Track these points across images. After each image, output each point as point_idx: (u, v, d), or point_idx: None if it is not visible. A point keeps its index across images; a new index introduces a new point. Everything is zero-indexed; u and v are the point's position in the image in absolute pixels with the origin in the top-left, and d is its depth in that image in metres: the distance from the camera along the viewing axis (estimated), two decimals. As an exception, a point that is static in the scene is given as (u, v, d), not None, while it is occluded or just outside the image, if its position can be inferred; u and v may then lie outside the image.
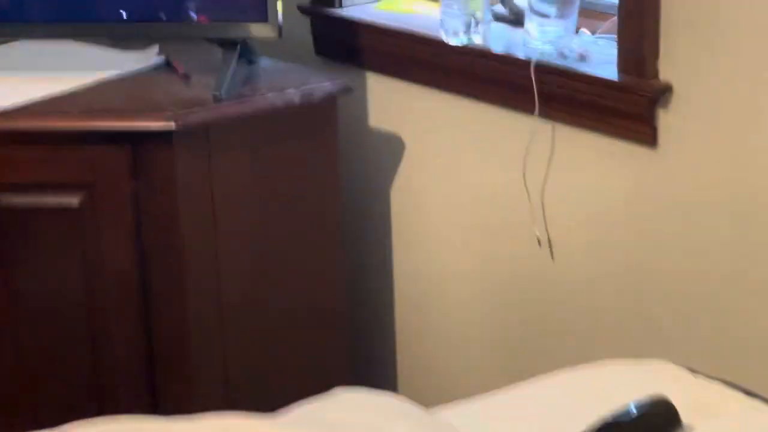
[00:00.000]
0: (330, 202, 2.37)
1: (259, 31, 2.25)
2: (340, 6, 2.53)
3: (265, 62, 2.39)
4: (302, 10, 2.56)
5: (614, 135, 2.10)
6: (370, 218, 2.56)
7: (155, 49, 2.42)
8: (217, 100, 2.17)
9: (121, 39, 2.38)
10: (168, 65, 2.38)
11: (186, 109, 2.15)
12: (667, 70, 2.00)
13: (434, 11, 2.43)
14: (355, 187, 2.53)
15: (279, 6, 2.23)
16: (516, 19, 2.29)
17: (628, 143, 2.08)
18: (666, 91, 2.01)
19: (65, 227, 2.20)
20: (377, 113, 2.51)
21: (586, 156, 2.16)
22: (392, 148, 2.49)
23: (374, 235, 2.57)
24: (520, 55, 2.19)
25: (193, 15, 2.26)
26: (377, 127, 2.52)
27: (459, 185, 2.39)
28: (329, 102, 2.30)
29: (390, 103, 2.49)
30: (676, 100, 2.01)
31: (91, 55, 2.42)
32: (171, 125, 2.12)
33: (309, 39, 2.59)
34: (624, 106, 2.06)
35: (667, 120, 2.03)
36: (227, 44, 2.30)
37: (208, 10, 2.26)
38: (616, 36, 2.10)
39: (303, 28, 2.59)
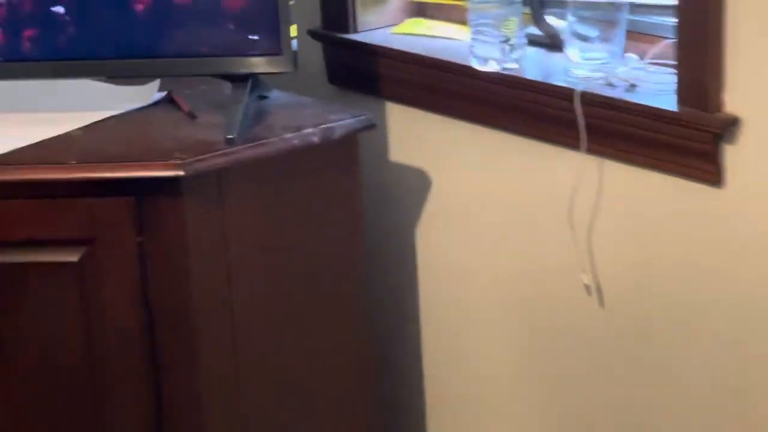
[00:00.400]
0: (352, 247, 2.15)
1: (272, 65, 2.03)
2: (355, 31, 2.33)
3: (276, 95, 2.19)
4: (313, 35, 2.35)
5: (673, 172, 1.89)
6: (393, 262, 2.36)
7: (156, 84, 2.20)
8: (229, 143, 1.96)
9: (121, 77, 2.17)
10: (171, 102, 2.18)
11: (195, 154, 1.93)
12: (734, 102, 1.80)
13: (459, 34, 2.24)
14: (375, 227, 2.32)
15: (293, 36, 2.03)
16: (553, 42, 2.09)
17: (688, 181, 1.88)
18: (733, 124, 1.81)
19: (63, 285, 1.98)
20: (398, 146, 2.30)
21: (639, 195, 1.96)
22: (415, 184, 2.28)
23: (398, 279, 2.36)
24: (561, 83, 1.99)
25: (199, 49, 2.06)
26: (398, 161, 2.31)
27: (492, 226, 2.19)
28: (351, 139, 2.08)
29: (412, 135, 2.28)
30: (745, 135, 1.81)
31: (86, 92, 2.20)
32: (179, 173, 1.90)
33: (321, 66, 2.39)
34: (685, 141, 1.85)
35: (734, 156, 1.83)
36: (236, 78, 2.10)
37: (216, 43, 2.05)
38: (669, 61, 1.90)
39: (314, 54, 2.38)
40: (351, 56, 2.33)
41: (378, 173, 2.31)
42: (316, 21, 2.37)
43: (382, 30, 2.35)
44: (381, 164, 2.31)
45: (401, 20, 2.37)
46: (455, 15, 2.31)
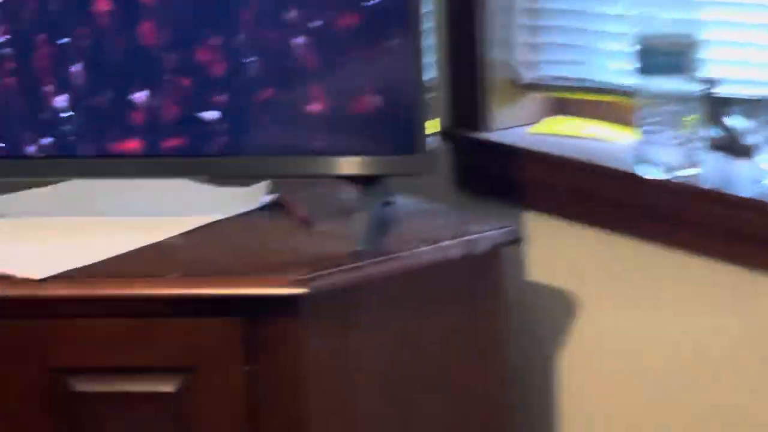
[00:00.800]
0: (492, 378, 1.83)
1: (405, 166, 1.75)
2: (488, 130, 2.04)
3: (402, 201, 1.90)
4: (441, 134, 2.07)
5: None
6: (535, 391, 2.05)
7: (264, 185, 1.93)
8: (356, 257, 1.68)
9: (227, 178, 1.90)
10: (280, 207, 1.90)
11: (315, 269, 1.64)
12: None
13: (609, 134, 1.95)
14: (511, 357, 2.02)
15: (433, 133, 1.74)
16: (736, 146, 1.80)
17: None
18: None
19: (157, 420, 1.69)
20: (540, 263, 1.99)
21: None
22: (559, 309, 1.96)
23: (539, 411, 2.06)
24: (751, 195, 1.71)
25: (317, 146, 1.78)
26: (539, 281, 2.00)
27: (659, 369, 1.87)
28: (494, 255, 1.79)
29: (556, 250, 1.96)
30: None
31: (185, 194, 1.92)
32: (299, 291, 1.62)
33: (445, 168, 2.10)
34: None
35: None
36: (361, 180, 1.82)
37: (337, 140, 1.77)
38: None
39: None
40: (484, 158, 2.04)
41: (515, 294, 2.00)
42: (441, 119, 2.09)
43: (518, 129, 2.07)
44: (519, 284, 2.01)
45: (539, 118, 2.08)
46: (600, 112, 2.02)
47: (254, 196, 1.90)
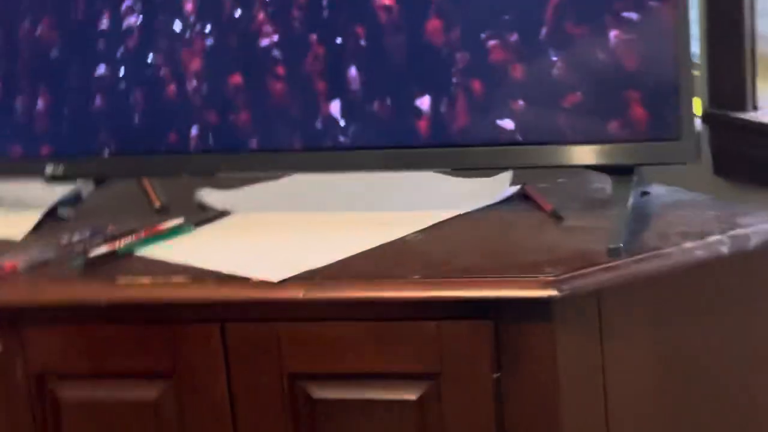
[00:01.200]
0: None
1: (668, 154, 1.58)
2: (755, 108, 1.86)
3: (659, 191, 1.74)
4: (704, 117, 1.90)
5: None
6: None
7: (508, 176, 1.79)
8: (614, 254, 1.52)
9: (475, 168, 1.75)
10: (525, 199, 1.77)
11: (570, 269, 1.50)
12: None
13: None
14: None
15: (698, 116, 1.58)
16: None
17: None
18: None
19: (400, 427, 1.58)
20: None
21: None
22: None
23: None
24: None
25: (572, 133, 1.64)
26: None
27: None
28: (766, 251, 1.64)
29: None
30: None
31: (422, 187, 1.81)
32: (551, 293, 1.47)
33: (704, 153, 1.93)
34: None
35: None
36: (616, 170, 1.67)
37: (593, 125, 1.62)
38: None
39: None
40: (748, 141, 1.87)
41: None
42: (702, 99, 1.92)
43: (786, 109, 1.89)
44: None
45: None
46: None
47: (497, 188, 1.78)
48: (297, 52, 1.69)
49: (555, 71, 1.60)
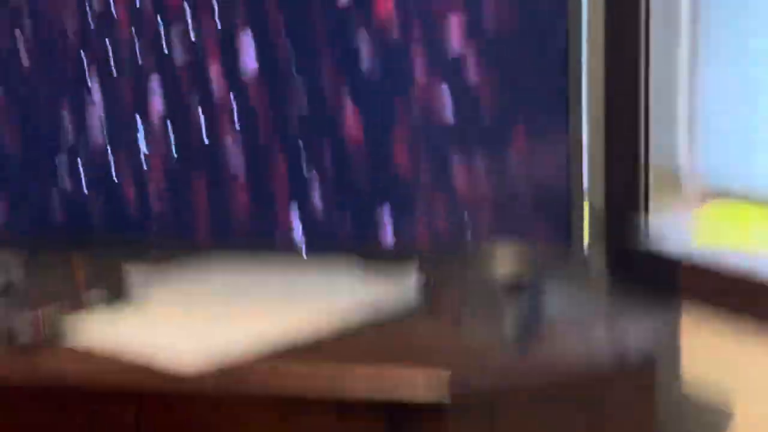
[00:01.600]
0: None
1: (558, 259, 1.71)
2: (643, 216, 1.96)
3: (551, 288, 1.81)
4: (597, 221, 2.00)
5: None
6: None
7: (413, 277, 1.88)
8: (507, 356, 1.63)
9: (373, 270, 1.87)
10: (429, 294, 1.85)
11: (461, 370, 1.59)
12: None
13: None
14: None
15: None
16: None
17: None
18: None
19: None
20: (697, 370, 1.91)
21: None
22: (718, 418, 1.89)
23: None
24: None
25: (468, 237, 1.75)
26: (698, 389, 1.92)
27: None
28: (649, 364, 1.72)
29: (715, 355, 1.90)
30: None
31: (327, 281, 1.91)
32: (442, 394, 1.57)
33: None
34: None
35: None
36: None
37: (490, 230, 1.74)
38: None
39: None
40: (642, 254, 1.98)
41: (669, 405, 1.92)
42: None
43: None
44: (673, 392, 1.94)
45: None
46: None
47: (403, 287, 1.88)
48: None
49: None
